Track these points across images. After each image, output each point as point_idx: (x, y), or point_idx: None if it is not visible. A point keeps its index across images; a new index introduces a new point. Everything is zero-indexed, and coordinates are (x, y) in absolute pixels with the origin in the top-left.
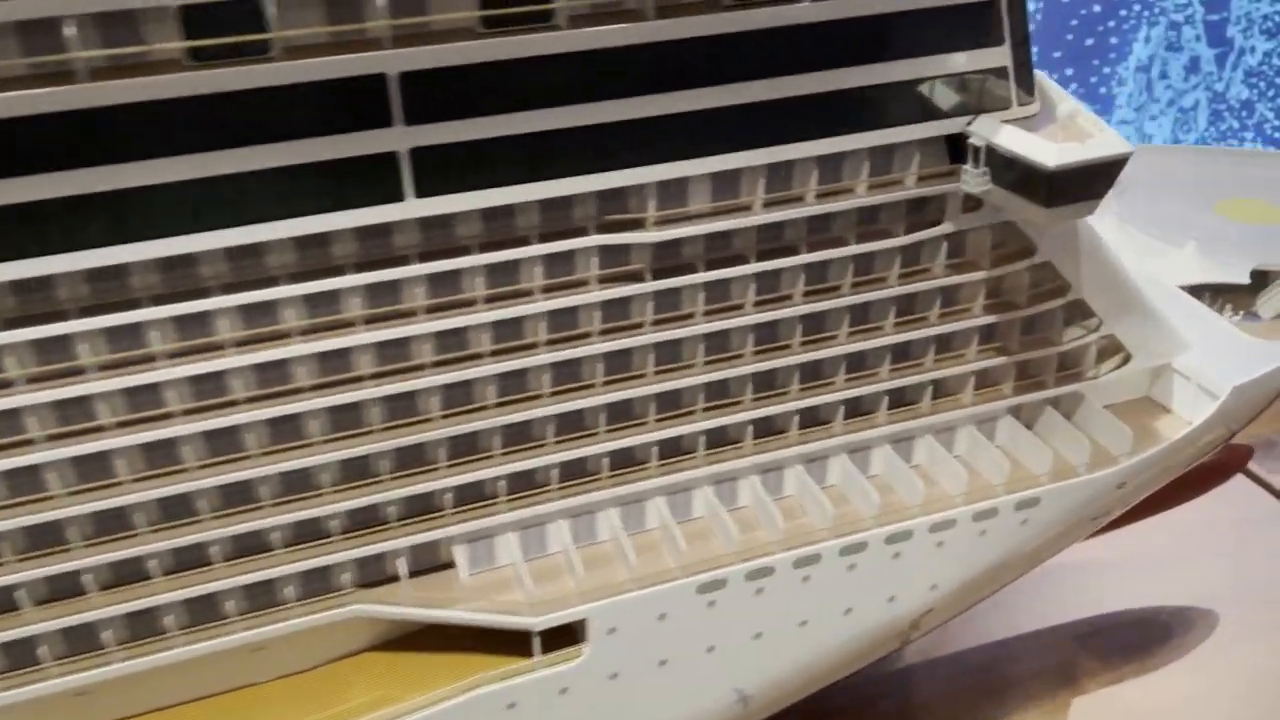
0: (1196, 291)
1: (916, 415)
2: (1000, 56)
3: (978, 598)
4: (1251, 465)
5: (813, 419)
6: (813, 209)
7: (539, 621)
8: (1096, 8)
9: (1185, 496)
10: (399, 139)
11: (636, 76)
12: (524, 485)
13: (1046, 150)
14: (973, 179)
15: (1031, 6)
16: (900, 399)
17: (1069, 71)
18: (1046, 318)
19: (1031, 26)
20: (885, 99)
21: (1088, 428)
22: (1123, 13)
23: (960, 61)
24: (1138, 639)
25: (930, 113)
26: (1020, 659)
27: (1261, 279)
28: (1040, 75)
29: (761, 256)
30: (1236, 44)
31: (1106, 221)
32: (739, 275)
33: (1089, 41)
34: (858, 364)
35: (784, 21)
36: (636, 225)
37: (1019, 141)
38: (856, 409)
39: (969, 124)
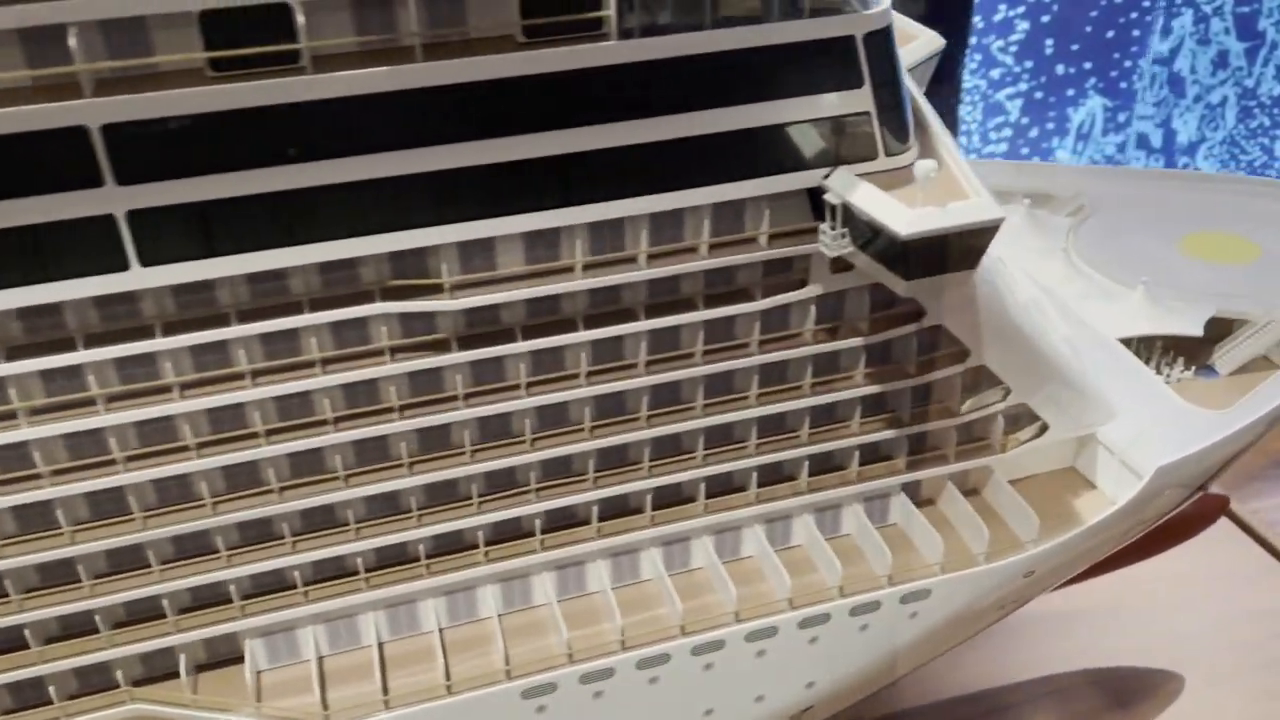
0: (1147, 343)
1: (795, 492)
2: (860, 100)
3: (875, 687)
4: (1234, 507)
5: (673, 497)
6: (645, 273)
7: None
8: None
9: (1159, 548)
10: (112, 200)
11: (406, 126)
12: (329, 573)
13: (899, 215)
14: (831, 241)
15: None
16: (775, 474)
17: (1088, 65)
18: (943, 386)
19: (1046, 17)
20: (719, 150)
21: (994, 508)
22: (1145, 3)
23: (811, 106)
24: (1121, 692)
25: (777, 165)
26: (1013, 707)
27: (1225, 327)
28: (930, 117)
29: (595, 322)
30: (1269, 37)
31: (1053, 259)
32: (569, 344)
33: (1109, 34)
34: (722, 437)
35: (590, 63)
36: (433, 290)
37: (874, 202)
38: (726, 485)
39: (826, 178)
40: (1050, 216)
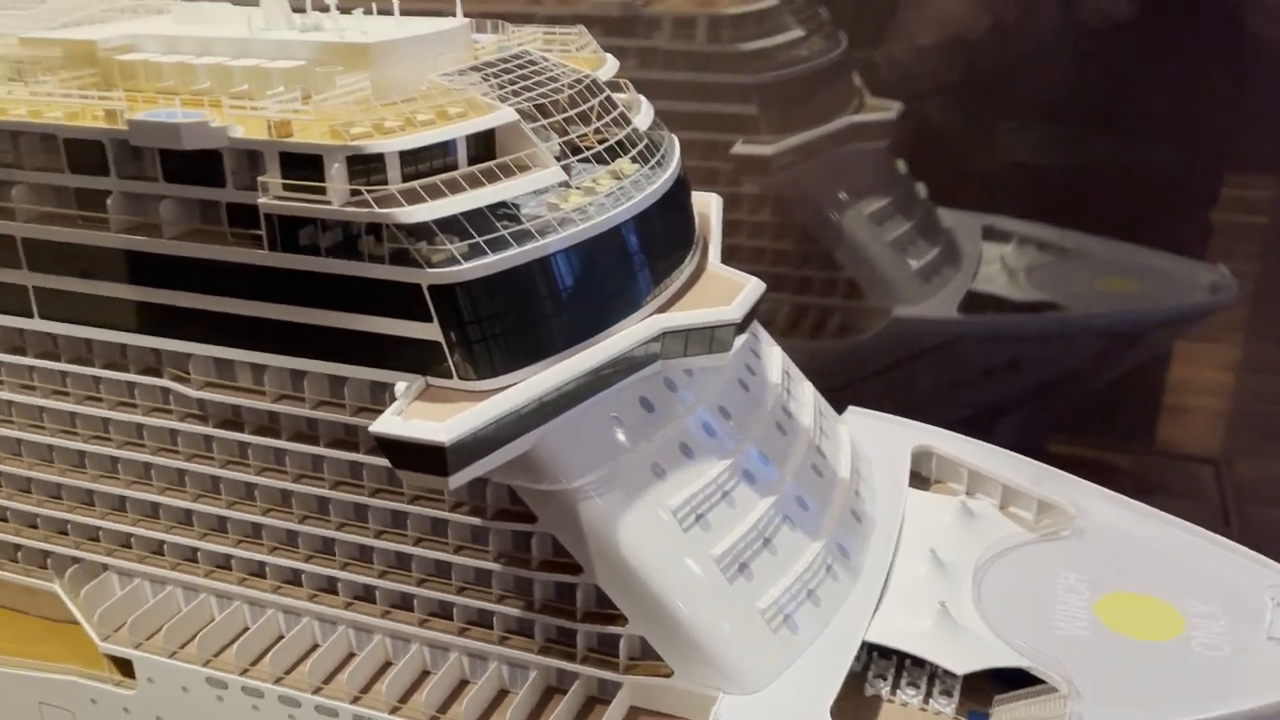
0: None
1: (447, 631)
2: (431, 331)
3: None
4: None
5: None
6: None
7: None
8: None
9: None
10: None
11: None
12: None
13: (385, 417)
14: None
15: None
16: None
17: None
18: (569, 590)
19: None
20: (343, 336)
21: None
22: None
23: (390, 326)
24: None
25: (371, 360)
26: None
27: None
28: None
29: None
30: None
31: (920, 557)
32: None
33: None
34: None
35: (237, 259)
36: (184, 381)
37: (394, 405)
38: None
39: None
40: (1000, 522)
